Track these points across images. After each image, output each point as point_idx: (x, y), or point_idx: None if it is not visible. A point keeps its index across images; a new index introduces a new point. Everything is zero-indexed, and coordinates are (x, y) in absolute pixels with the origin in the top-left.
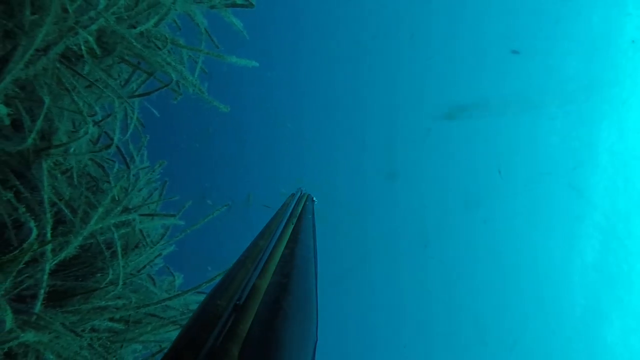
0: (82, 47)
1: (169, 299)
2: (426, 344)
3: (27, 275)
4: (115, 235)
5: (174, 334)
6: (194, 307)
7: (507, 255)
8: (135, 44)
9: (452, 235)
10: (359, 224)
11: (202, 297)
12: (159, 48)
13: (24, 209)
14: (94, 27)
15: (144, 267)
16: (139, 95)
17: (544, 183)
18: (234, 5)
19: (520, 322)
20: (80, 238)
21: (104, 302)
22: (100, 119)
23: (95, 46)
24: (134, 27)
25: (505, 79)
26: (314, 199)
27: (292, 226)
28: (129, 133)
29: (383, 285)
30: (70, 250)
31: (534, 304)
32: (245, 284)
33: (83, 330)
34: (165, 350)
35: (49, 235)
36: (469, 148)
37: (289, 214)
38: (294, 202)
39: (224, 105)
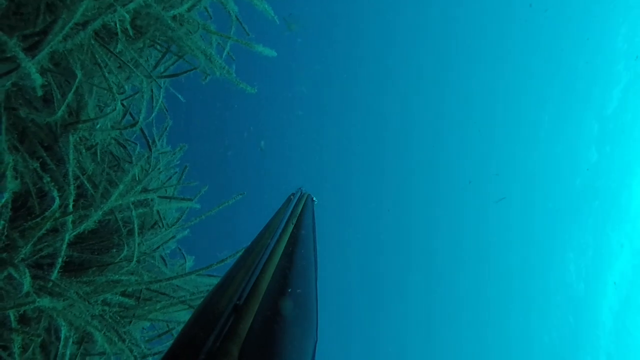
0: (117, 26)
1: (178, 277)
2: (430, 345)
3: (46, 243)
4: (134, 214)
5: (181, 314)
6: (204, 289)
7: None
8: (169, 22)
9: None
10: (361, 223)
11: (211, 280)
12: (190, 32)
13: (48, 179)
14: (132, 5)
15: (158, 247)
16: (167, 76)
17: None
18: None
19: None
20: (100, 212)
21: (117, 276)
22: (126, 98)
23: (129, 26)
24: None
25: None
26: (314, 198)
27: (292, 226)
28: (153, 115)
29: (384, 286)
30: (89, 224)
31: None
32: (245, 284)
33: (95, 302)
34: (167, 349)
35: (71, 206)
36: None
37: (289, 213)
38: (294, 202)
39: (250, 87)
